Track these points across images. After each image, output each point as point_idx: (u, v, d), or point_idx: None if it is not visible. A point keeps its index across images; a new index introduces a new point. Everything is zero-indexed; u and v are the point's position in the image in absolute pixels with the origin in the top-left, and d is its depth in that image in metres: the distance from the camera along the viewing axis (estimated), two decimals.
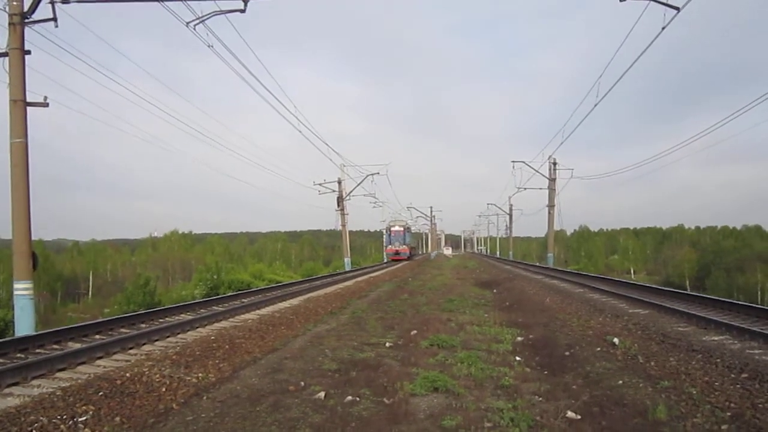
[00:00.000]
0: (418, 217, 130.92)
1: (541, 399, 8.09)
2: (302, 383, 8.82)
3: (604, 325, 14.95)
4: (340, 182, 59.25)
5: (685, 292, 24.67)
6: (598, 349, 11.74)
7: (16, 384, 9.00)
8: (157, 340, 12.92)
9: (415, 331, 13.62)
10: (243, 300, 21.95)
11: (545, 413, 7.34)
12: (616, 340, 12.37)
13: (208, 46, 20.19)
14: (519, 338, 13.09)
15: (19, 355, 11.44)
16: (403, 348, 11.86)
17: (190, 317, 16.17)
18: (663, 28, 19.81)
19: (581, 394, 8.32)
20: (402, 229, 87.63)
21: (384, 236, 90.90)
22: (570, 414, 7.31)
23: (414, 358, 10.68)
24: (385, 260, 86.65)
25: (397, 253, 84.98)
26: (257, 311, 18.46)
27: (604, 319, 15.98)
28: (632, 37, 22.46)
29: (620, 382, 9.00)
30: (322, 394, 8.13)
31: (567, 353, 11.30)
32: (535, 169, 58.21)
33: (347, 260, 59.70)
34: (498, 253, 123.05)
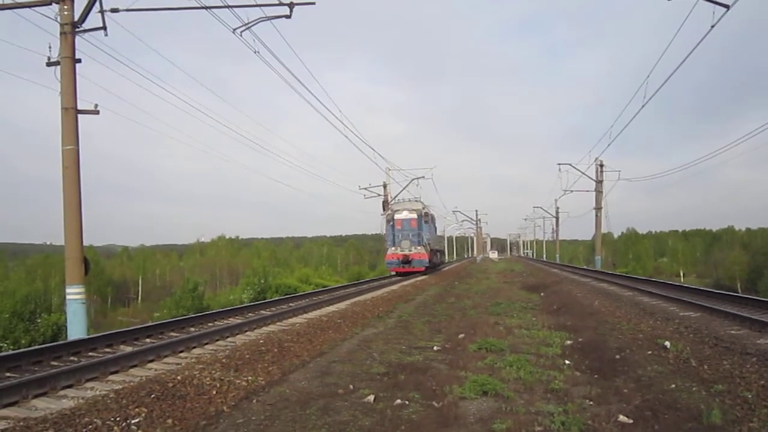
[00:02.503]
0: (463, 221, 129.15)
1: (591, 403, 8.00)
2: (351, 386, 8.84)
3: (654, 328, 14.75)
4: (385, 186, 59.35)
5: (737, 294, 24.26)
6: (649, 352, 11.59)
7: (70, 386, 9.15)
8: (206, 344, 13.04)
9: (462, 335, 13.57)
10: (290, 304, 22.07)
11: (596, 417, 7.26)
12: (667, 343, 12.20)
13: (255, 52, 20.31)
14: (568, 342, 12.97)
15: (72, 358, 11.64)
16: (451, 351, 11.82)
17: (239, 321, 16.31)
18: (712, 27, 19.50)
19: (633, 398, 8.21)
20: (414, 216, 46.59)
21: (385, 231, 48.23)
22: (622, 418, 7.22)
23: (462, 361, 10.64)
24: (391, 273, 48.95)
25: (406, 260, 45.48)
26: (305, 315, 18.54)
27: (654, 323, 15.77)
28: (681, 36, 22.16)
29: (673, 385, 8.87)
30: (371, 398, 8.14)
31: (617, 357, 11.16)
32: (581, 171, 57.66)
33: None
34: (544, 256, 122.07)
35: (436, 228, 60.99)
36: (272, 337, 13.47)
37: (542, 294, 26.81)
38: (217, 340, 13.51)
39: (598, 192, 56.11)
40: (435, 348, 12.20)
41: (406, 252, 45.46)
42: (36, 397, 8.50)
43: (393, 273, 47.42)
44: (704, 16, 19.64)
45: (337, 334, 14.49)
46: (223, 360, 10.67)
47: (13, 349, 13.37)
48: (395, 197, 61.70)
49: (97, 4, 16.96)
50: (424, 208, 48.08)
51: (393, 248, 45.87)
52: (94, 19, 17.02)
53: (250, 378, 9.56)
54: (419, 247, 45.43)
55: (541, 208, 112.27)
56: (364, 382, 9.13)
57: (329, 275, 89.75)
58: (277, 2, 19.26)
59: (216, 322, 16.79)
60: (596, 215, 56.77)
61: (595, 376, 9.73)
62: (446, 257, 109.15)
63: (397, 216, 46.79)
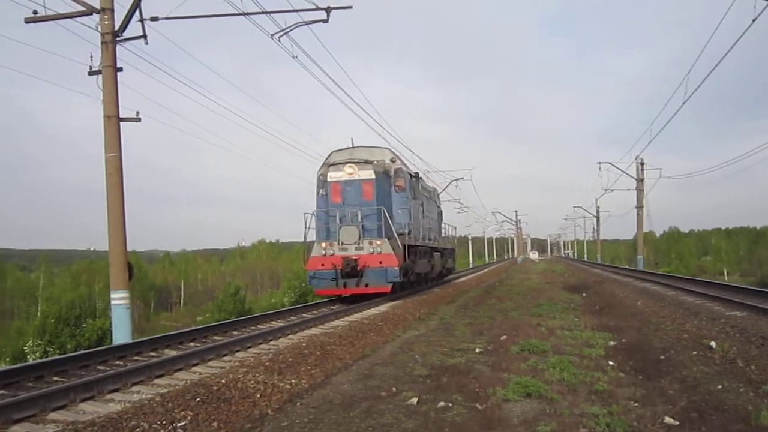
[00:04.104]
0: (503, 221, 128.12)
1: (637, 404, 7.92)
2: (394, 389, 8.85)
3: (699, 328, 14.59)
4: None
5: None
6: (695, 353, 11.46)
7: (116, 390, 9.27)
8: (249, 347, 13.13)
9: (504, 336, 13.52)
10: (331, 307, 22.19)
11: (642, 419, 7.19)
12: (713, 343, 12.05)
13: (293, 57, 20.29)
14: (611, 342, 12.86)
15: (117, 362, 11.80)
16: (493, 353, 11.78)
17: (281, 324, 16.41)
18: (753, 20, 19.22)
19: (679, 399, 8.12)
20: (369, 176, 23.88)
21: (314, 213, 24.14)
22: (668, 420, 7.15)
23: (505, 363, 10.60)
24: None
25: (350, 269, 22.58)
26: (346, 318, 18.60)
27: (699, 322, 15.60)
28: (722, 30, 21.89)
29: (719, 386, 8.76)
30: (414, 400, 8.14)
31: (662, 357, 11.05)
32: (622, 170, 57.27)
33: None
34: (585, 256, 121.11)
35: (439, 212, 38.08)
36: (314, 340, 13.54)
37: (584, 294, 26.60)
38: (260, 344, 13.61)
39: (639, 190, 55.54)
40: (477, 350, 12.17)
41: (350, 253, 22.71)
42: (84, 401, 8.63)
43: (335, 297, 24.18)
44: (744, 10, 19.43)
45: (378, 337, 14.53)
46: (267, 363, 10.74)
47: (60, 354, 13.57)
48: None
49: (137, 13, 17.17)
50: (394, 162, 25.44)
51: (323, 245, 23.17)
52: (134, 28, 17.25)
53: (293, 381, 9.63)
54: (380, 242, 22.60)
55: (581, 207, 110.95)
56: (406, 385, 9.14)
57: None
58: (314, 7, 19.32)
59: (258, 326, 16.94)
60: (637, 214, 56.19)
61: (640, 377, 9.64)
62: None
63: (333, 175, 23.88)
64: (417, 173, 30.62)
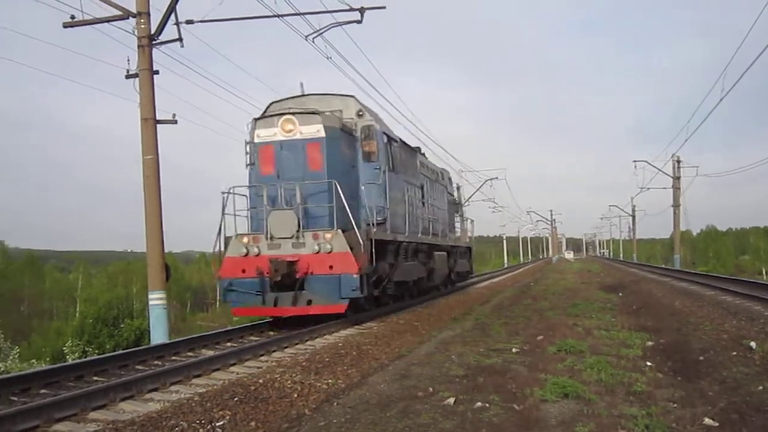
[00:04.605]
0: (538, 221, 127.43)
1: (675, 405, 7.85)
2: (431, 389, 8.85)
3: (739, 328, 14.41)
4: (458, 188, 59.04)
5: None
6: (734, 353, 11.32)
7: (155, 390, 9.38)
8: (286, 347, 13.21)
9: (541, 337, 13.47)
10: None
11: (681, 420, 7.13)
12: (753, 344, 11.90)
13: (327, 58, 20.33)
14: (649, 343, 12.75)
15: (156, 362, 11.93)
16: (529, 353, 11.74)
17: (316, 325, 16.44)
18: None
19: (718, 400, 8.04)
20: (317, 134, 16.24)
21: (230, 188, 16.70)
22: (707, 421, 7.08)
23: (542, 363, 10.56)
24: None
25: (282, 276, 15.09)
26: (382, 318, 18.62)
27: (738, 322, 15.41)
28: (759, 26, 21.62)
29: (760, 387, 8.65)
30: (451, 400, 8.14)
31: (701, 358, 10.94)
32: (658, 168, 56.70)
33: None
34: (621, 255, 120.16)
35: (451, 202, 32.07)
36: (350, 341, 13.59)
37: (620, 294, 26.40)
38: (297, 344, 13.67)
39: (676, 189, 55.06)
40: (513, 350, 12.13)
41: (284, 252, 15.74)
42: (123, 400, 8.74)
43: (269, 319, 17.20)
44: None
45: (414, 337, 14.54)
46: (303, 363, 10.81)
47: (99, 354, 13.77)
48: (468, 199, 61.17)
49: (173, 16, 17.33)
50: (362, 116, 18.53)
51: (244, 241, 16.23)
52: (169, 32, 17.40)
53: (330, 381, 9.67)
54: (331, 235, 15.60)
55: (617, 206, 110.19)
56: (443, 385, 9.13)
57: None
58: (348, 8, 19.38)
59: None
60: (674, 212, 55.75)
61: (678, 378, 9.55)
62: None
63: (262, 134, 16.77)
64: (416, 147, 24.69)
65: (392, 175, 19.00)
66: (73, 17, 16.70)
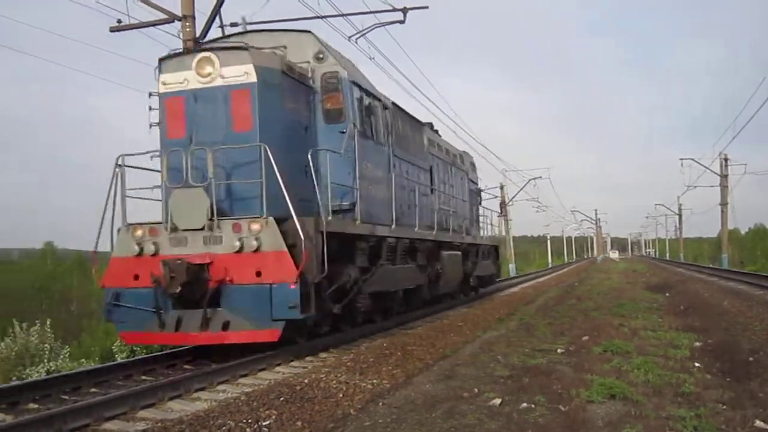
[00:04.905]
0: (582, 220, 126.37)
1: (725, 407, 7.75)
2: (476, 390, 8.83)
3: None
4: (502, 187, 59.01)
5: None
6: None
7: (203, 389, 9.51)
8: (331, 348, 13.27)
9: (586, 337, 13.37)
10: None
11: (731, 422, 7.04)
12: None
13: (370, 59, 20.35)
14: (697, 343, 12.59)
15: (203, 360, 12.04)
16: (575, 354, 11.66)
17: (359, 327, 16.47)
18: None
19: None
20: (244, 79, 11.56)
21: (118, 157, 11.91)
22: (759, 423, 6.97)
23: (587, 364, 10.48)
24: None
25: (185, 289, 10.64)
26: (426, 318, 18.65)
27: None
28: None
29: None
30: (496, 401, 8.12)
31: (750, 359, 10.77)
32: (705, 166, 55.95)
33: (512, 266, 59.04)
34: (668, 255, 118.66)
35: (474, 192, 28.33)
36: (395, 341, 13.61)
37: (667, 294, 26.11)
38: (341, 344, 13.74)
39: (724, 187, 54.26)
40: (559, 350, 12.06)
41: (189, 250, 11.18)
42: (171, 399, 8.88)
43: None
44: None
45: (459, 337, 14.51)
46: (348, 363, 10.85)
47: (146, 354, 13.93)
48: (512, 198, 61.02)
49: (217, 19, 17.47)
50: (322, 59, 13.74)
51: (137, 234, 11.62)
52: (214, 34, 17.46)
53: (375, 381, 9.69)
54: (259, 225, 10.98)
55: (663, 205, 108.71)
56: (488, 385, 9.11)
57: None
58: (391, 8, 19.43)
59: None
60: (722, 211, 54.96)
61: (728, 379, 9.42)
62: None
63: (169, 79, 12.01)
64: (428, 123, 21.68)
65: (368, 144, 14.29)
66: (119, 21, 16.95)
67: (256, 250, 10.73)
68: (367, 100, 14.56)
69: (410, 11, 19.48)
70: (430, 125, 21.97)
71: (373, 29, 20.09)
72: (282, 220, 10.95)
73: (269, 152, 10.96)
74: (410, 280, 17.24)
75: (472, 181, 27.68)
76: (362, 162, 13.72)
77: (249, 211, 11.37)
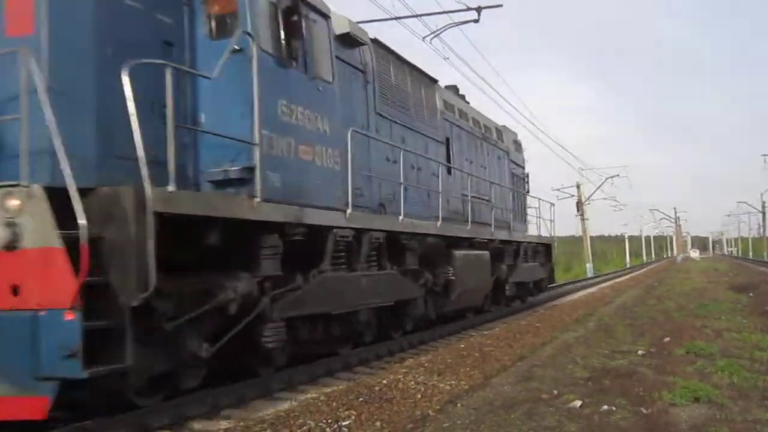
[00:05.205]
0: (661, 219, 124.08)
1: None
2: (555, 391, 8.76)
3: None
4: (578, 186, 58.28)
5: None
6: None
7: (284, 389, 9.63)
8: (408, 349, 13.33)
9: (668, 338, 13.13)
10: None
11: None
12: None
13: (444, 59, 20.36)
14: None
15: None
16: (656, 356, 11.46)
17: (437, 328, 16.48)
18: None
19: None
20: None
21: None
22: None
23: (669, 366, 10.29)
24: None
25: None
26: (503, 319, 18.58)
27: None
28: None
29: None
30: (576, 403, 8.03)
31: None
32: None
33: (589, 266, 58.25)
34: (751, 254, 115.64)
35: (518, 177, 24.21)
36: (472, 342, 13.59)
37: (751, 294, 25.39)
38: (418, 345, 13.77)
39: None
40: (639, 352, 11.86)
41: None
42: (254, 399, 9.01)
43: None
44: None
45: (536, 338, 14.40)
46: (426, 364, 10.88)
47: None
48: (589, 197, 60.15)
49: None
50: None
51: None
52: None
53: (452, 382, 9.68)
54: (29, 203, 6.22)
55: (745, 203, 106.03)
56: (567, 387, 9.02)
57: None
58: (465, 7, 19.40)
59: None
60: None
61: None
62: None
63: None
64: (454, 87, 19.15)
65: (293, 77, 9.68)
66: None
67: (10, 247, 6.22)
68: (299, 10, 9.75)
69: (484, 10, 19.42)
70: (455, 88, 18.88)
71: (447, 29, 20.09)
72: (82, 193, 6.29)
73: (49, 66, 6.67)
74: (386, 294, 12.02)
75: (516, 164, 23.29)
76: (274, 101, 9.07)
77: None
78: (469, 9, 19.44)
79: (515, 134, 23.57)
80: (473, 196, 17.57)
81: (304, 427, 7.37)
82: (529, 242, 22.19)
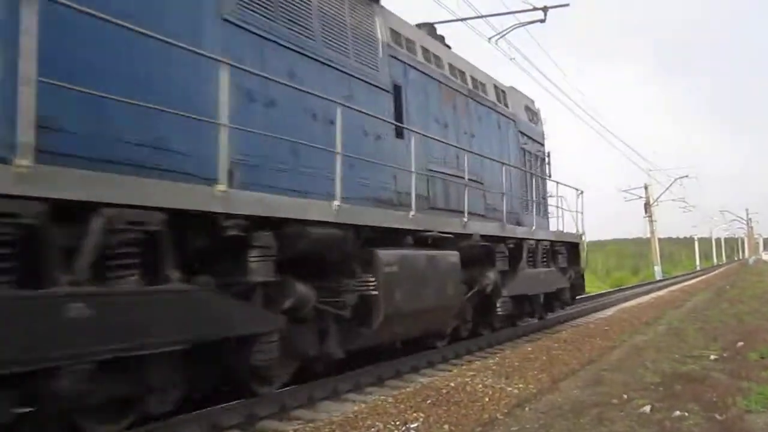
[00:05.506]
0: (732, 220, 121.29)
1: None
2: (625, 396, 8.64)
3: None
4: (646, 187, 57.43)
5: None
6: None
7: (351, 391, 9.70)
8: (475, 351, 13.30)
9: (741, 343, 12.85)
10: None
11: None
12: None
13: (511, 59, 20.29)
14: None
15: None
16: (729, 360, 11.23)
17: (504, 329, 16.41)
18: None
19: None
20: None
21: None
22: None
23: (744, 371, 10.08)
24: None
25: None
26: (570, 322, 18.42)
27: None
28: None
29: None
30: (647, 408, 7.91)
31: None
32: None
33: (657, 269, 57.30)
34: None
35: (536, 152, 19.04)
36: (540, 345, 13.48)
37: None
38: (485, 348, 13.74)
39: None
40: (711, 357, 11.63)
41: None
42: (321, 400, 9.10)
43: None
44: None
45: (604, 342, 14.22)
46: (493, 367, 10.82)
47: None
48: (657, 198, 59.22)
49: None
50: None
51: None
52: None
53: (520, 386, 9.63)
54: None
55: None
56: (637, 392, 8.89)
57: (591, 282, 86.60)
58: (531, 7, 19.29)
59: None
60: None
61: None
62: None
63: None
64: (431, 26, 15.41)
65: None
66: None
67: None
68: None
69: (550, 9, 19.28)
70: (430, 28, 15.08)
71: (513, 30, 19.98)
72: None
73: None
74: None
75: (529, 137, 18.20)
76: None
77: None
78: (535, 9, 19.33)
79: (530, 100, 19.09)
80: (445, 173, 12.89)
81: (373, 429, 7.41)
82: (540, 240, 16.01)
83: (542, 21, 19.52)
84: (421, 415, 7.94)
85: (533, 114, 19.01)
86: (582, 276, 19.63)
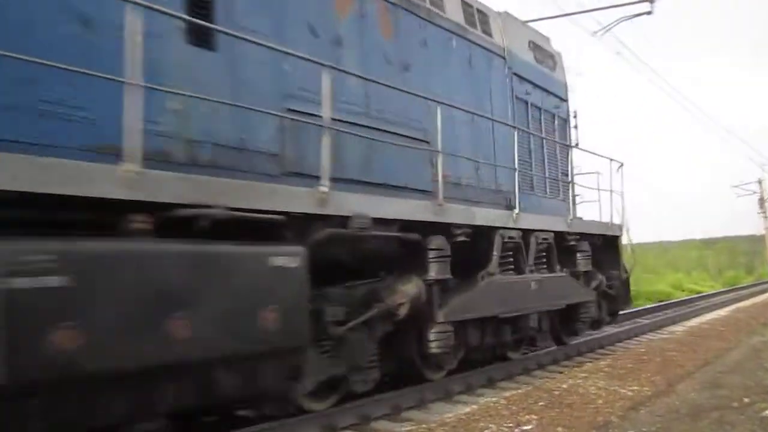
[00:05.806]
0: None
1: None
2: (745, 399, 8.40)
3: None
4: (760, 183, 55.40)
5: None
6: None
7: (463, 392, 9.73)
8: (586, 353, 13.15)
9: None
10: (666, 311, 21.43)
11: None
12: None
13: (616, 54, 19.77)
14: None
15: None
16: None
17: (615, 330, 16.16)
18: None
19: None
20: None
21: None
22: None
23: None
24: None
25: None
26: (683, 323, 17.99)
27: None
28: None
29: None
30: None
31: None
32: None
33: None
34: None
35: (554, 109, 13.63)
36: (653, 346, 13.23)
37: None
38: (596, 349, 13.57)
39: None
40: None
41: None
42: (434, 401, 9.15)
43: None
44: None
45: (720, 343, 13.84)
46: (605, 369, 10.69)
47: None
48: None
49: None
50: None
51: None
52: None
53: (635, 388, 9.46)
54: None
55: None
56: (758, 396, 8.62)
57: (702, 280, 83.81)
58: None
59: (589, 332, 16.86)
60: None
61: None
62: None
63: None
64: None
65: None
66: None
67: None
68: None
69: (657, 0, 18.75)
70: None
71: (618, 23, 19.58)
72: None
73: None
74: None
75: (542, 89, 13.24)
76: None
77: None
78: (641, 1, 18.87)
79: (542, 36, 14.00)
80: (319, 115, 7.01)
81: (486, 431, 7.43)
82: (540, 231, 11.16)
83: (649, 13, 19.05)
84: (534, 417, 7.90)
85: (547, 56, 13.71)
86: (626, 284, 14.57)
